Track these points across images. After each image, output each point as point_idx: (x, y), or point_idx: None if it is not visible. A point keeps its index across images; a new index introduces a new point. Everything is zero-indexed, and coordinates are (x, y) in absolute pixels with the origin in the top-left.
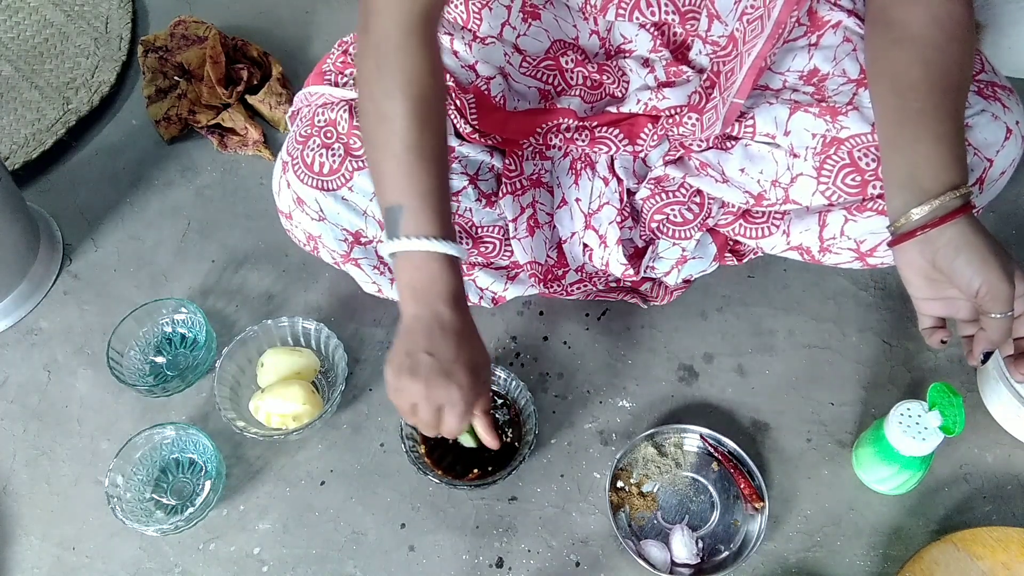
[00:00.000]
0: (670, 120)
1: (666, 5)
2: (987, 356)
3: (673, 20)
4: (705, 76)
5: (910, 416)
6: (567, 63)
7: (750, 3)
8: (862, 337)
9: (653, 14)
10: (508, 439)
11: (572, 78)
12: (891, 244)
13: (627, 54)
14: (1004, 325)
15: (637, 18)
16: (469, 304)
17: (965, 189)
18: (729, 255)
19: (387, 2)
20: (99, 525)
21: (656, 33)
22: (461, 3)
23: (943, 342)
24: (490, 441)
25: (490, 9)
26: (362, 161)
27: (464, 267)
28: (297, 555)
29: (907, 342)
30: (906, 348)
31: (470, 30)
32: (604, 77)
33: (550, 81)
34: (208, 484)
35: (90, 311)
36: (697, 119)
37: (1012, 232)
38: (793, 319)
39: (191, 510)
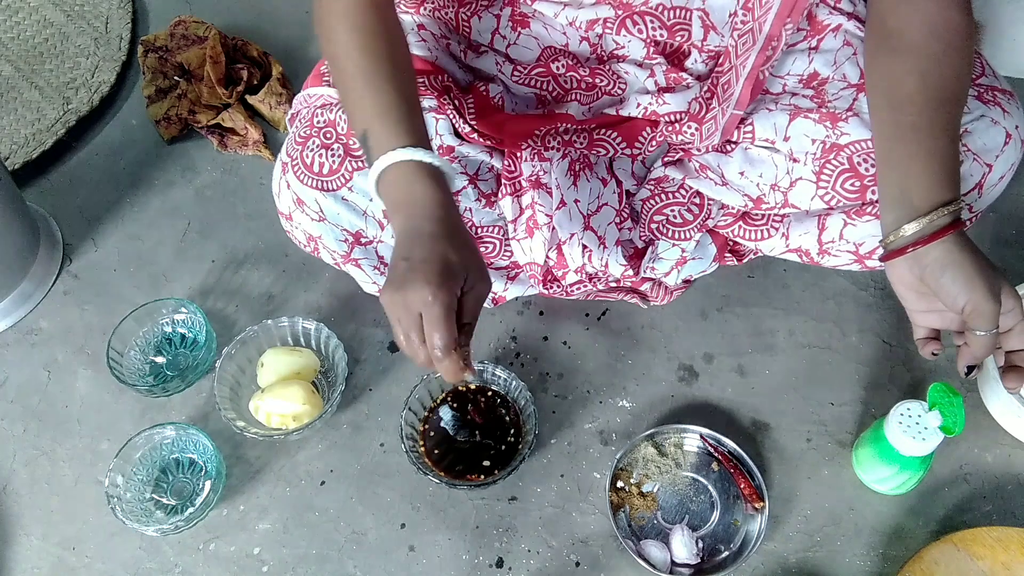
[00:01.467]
0: (670, 128)
1: (652, 22)
2: (971, 369)
3: (661, 35)
4: (705, 87)
5: (910, 416)
6: (558, 69)
7: (741, 18)
8: (862, 337)
9: (640, 31)
10: (508, 439)
11: (566, 82)
12: (883, 259)
13: (621, 59)
14: (987, 342)
15: (625, 34)
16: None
17: (955, 206)
18: (729, 255)
19: None
20: (99, 525)
21: (650, 43)
22: (451, 11)
23: (935, 353)
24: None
25: (479, 18)
26: (362, 161)
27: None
28: (297, 555)
29: (907, 342)
30: (906, 348)
31: (464, 36)
32: (598, 80)
33: (545, 88)
34: (208, 484)
35: (90, 311)
36: (696, 129)
37: (1012, 232)
38: (793, 319)
39: (191, 510)
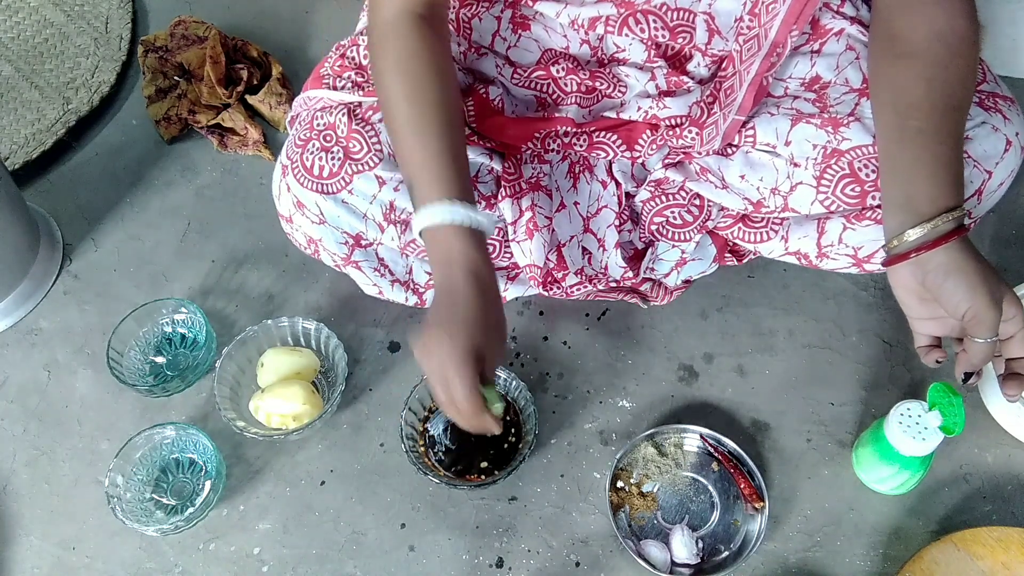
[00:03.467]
0: (670, 132)
1: (654, 22)
2: (968, 376)
3: (663, 36)
4: (708, 91)
5: (910, 416)
6: (558, 72)
7: (747, 23)
8: (862, 337)
9: (642, 31)
10: (508, 439)
11: (566, 85)
12: (885, 264)
13: (622, 62)
14: (985, 349)
15: (626, 33)
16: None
17: (959, 212)
18: (729, 256)
19: None
20: (99, 525)
21: (650, 45)
22: (452, 12)
23: (939, 361)
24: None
25: (480, 20)
26: (361, 164)
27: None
28: (297, 555)
29: (907, 342)
30: (906, 348)
31: (464, 38)
32: (598, 83)
33: (544, 90)
34: (208, 484)
35: (90, 311)
36: (697, 133)
37: (1012, 232)
38: (793, 319)
39: (191, 510)
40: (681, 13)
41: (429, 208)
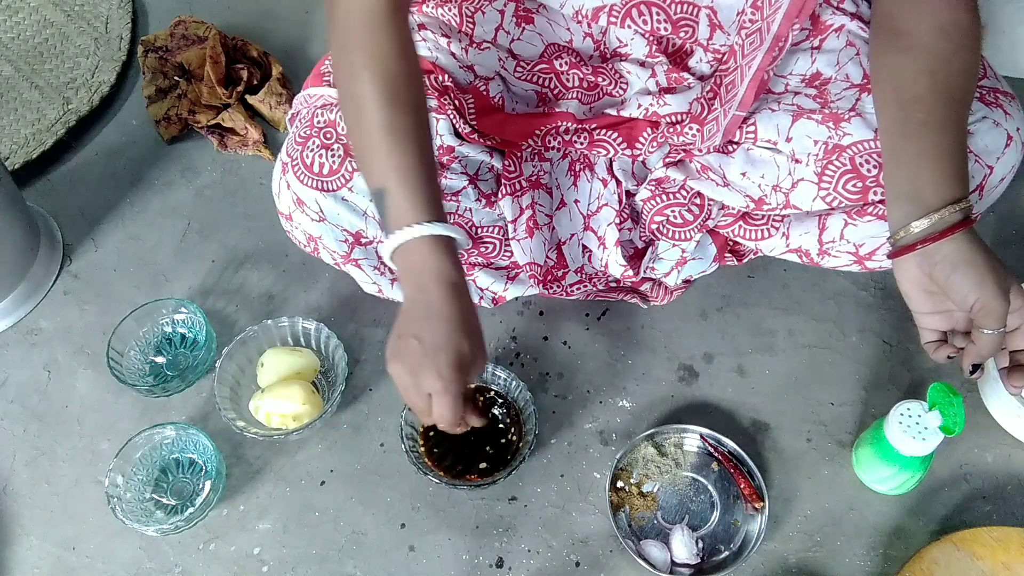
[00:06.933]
0: (671, 129)
1: (657, 14)
2: (975, 368)
3: (665, 29)
4: (708, 87)
5: (910, 416)
6: (561, 66)
7: (749, 16)
8: (862, 337)
9: (645, 23)
10: (508, 439)
11: (568, 80)
12: (891, 256)
13: (623, 57)
14: (994, 340)
15: (629, 25)
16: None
17: (965, 203)
18: (729, 255)
19: None
20: (99, 525)
21: (652, 39)
22: (455, 7)
23: (950, 357)
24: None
25: (483, 13)
26: None
27: (464, 256)
28: (297, 555)
29: (907, 342)
30: (906, 348)
31: (466, 34)
32: (600, 79)
33: (546, 84)
34: (208, 484)
35: (90, 311)
36: (698, 130)
37: (1012, 232)
38: (793, 319)
39: (191, 510)
40: (684, 7)
41: (407, 231)
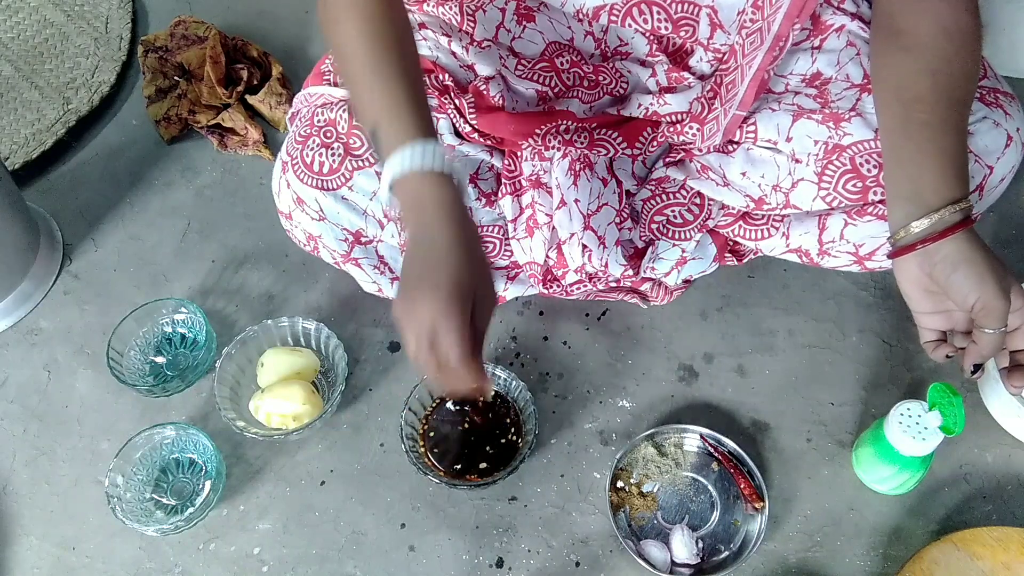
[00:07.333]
0: (671, 128)
1: (658, 13)
2: (976, 368)
3: (666, 28)
4: (708, 86)
5: (910, 416)
6: (562, 64)
7: (750, 16)
8: (862, 337)
9: (646, 21)
10: (508, 439)
11: (569, 79)
12: (891, 256)
13: (624, 56)
14: (995, 340)
15: (630, 24)
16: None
17: (966, 203)
18: (729, 255)
19: None
20: (99, 525)
21: (652, 38)
22: (456, 5)
23: (949, 356)
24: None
25: (484, 12)
26: (362, 160)
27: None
28: (297, 555)
29: (907, 342)
30: (906, 348)
31: (466, 32)
32: (600, 78)
33: (547, 83)
34: (208, 484)
35: (90, 311)
36: (698, 129)
37: (1012, 232)
38: (793, 319)
39: (191, 510)
40: (685, 6)
41: (401, 152)
